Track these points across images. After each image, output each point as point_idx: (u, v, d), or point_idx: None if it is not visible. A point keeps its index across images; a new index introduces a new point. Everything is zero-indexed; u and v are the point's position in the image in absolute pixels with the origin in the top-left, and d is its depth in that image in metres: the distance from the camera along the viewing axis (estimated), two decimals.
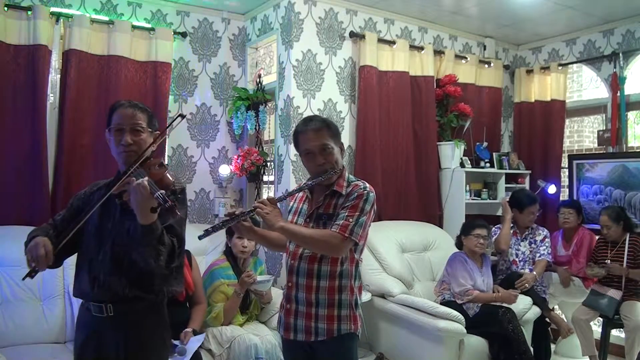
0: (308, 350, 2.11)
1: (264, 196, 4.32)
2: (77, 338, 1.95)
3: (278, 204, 2.07)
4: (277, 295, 3.43)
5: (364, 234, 2.05)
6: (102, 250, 1.85)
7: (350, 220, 2.00)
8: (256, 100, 4.14)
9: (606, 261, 3.83)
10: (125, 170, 1.80)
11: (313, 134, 2.09)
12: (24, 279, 1.75)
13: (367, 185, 2.12)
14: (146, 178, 1.66)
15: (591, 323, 3.82)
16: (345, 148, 4.15)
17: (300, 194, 2.23)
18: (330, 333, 2.05)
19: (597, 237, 4.09)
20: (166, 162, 3.96)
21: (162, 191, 1.64)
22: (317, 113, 4.00)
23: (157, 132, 1.96)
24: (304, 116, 3.90)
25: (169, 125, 1.93)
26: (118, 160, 1.90)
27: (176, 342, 2.77)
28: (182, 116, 1.91)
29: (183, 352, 2.72)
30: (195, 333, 2.92)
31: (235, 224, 2.04)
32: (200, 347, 3.00)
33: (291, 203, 2.29)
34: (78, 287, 1.92)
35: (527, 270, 3.97)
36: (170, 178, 1.84)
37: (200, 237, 2.01)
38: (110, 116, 1.92)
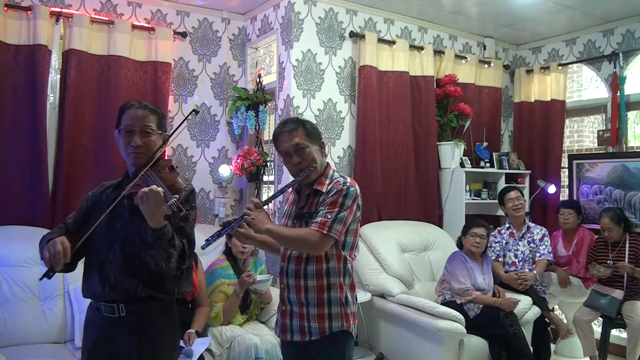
0: (304, 350, 2.13)
1: (264, 196, 4.32)
2: (87, 339, 1.93)
3: (265, 207, 2.09)
4: (276, 294, 3.43)
5: (344, 230, 2.05)
6: (112, 250, 1.84)
7: (329, 216, 2.02)
8: (256, 100, 4.14)
9: (608, 262, 3.82)
10: (136, 172, 1.80)
11: (287, 135, 2.14)
12: (41, 279, 1.74)
13: (349, 180, 2.13)
14: (154, 186, 1.65)
15: (592, 323, 3.82)
16: (345, 148, 4.18)
17: (292, 196, 2.27)
18: (322, 332, 2.06)
19: (595, 237, 4.09)
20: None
21: (176, 198, 1.64)
22: (317, 113, 4.01)
23: (167, 133, 1.96)
24: (304, 116, 3.94)
25: (183, 122, 1.93)
26: (127, 162, 1.90)
27: (181, 344, 2.77)
28: (196, 112, 1.92)
29: (190, 353, 2.71)
30: (198, 335, 2.92)
31: (232, 231, 2.04)
32: None
33: (285, 207, 2.31)
34: (88, 288, 1.90)
35: (526, 270, 3.97)
36: (182, 182, 1.84)
37: (203, 247, 2.03)
38: (120, 117, 1.91)
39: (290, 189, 2.24)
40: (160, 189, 1.65)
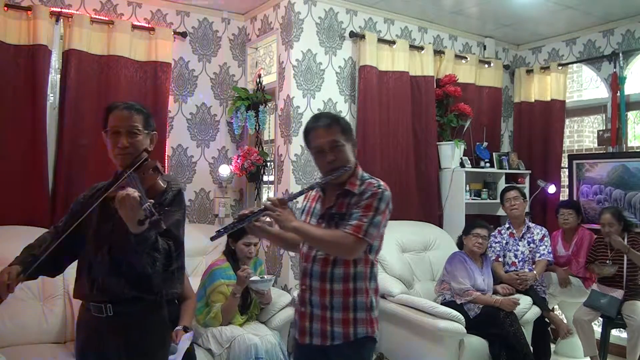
0: (322, 355, 2.03)
1: (264, 196, 4.32)
2: (78, 338, 1.96)
3: (289, 204, 1.99)
4: (277, 295, 3.44)
5: (378, 235, 1.99)
6: (101, 252, 1.85)
7: (364, 220, 1.93)
8: (256, 100, 4.14)
9: (607, 262, 3.83)
10: (119, 174, 1.80)
11: (323, 131, 2.03)
12: None
13: (382, 183, 2.04)
14: (133, 191, 1.62)
15: (592, 323, 3.82)
16: None
17: (313, 192, 2.17)
18: (346, 337, 1.98)
19: (595, 237, 4.09)
20: (163, 163, 3.95)
21: (151, 202, 1.61)
22: (317, 113, 4.00)
23: (154, 132, 1.96)
24: (304, 116, 3.94)
25: (133, 166, 1.81)
26: (115, 162, 1.91)
27: None
28: (148, 152, 1.90)
29: (174, 350, 2.72)
30: (186, 330, 2.92)
31: (247, 225, 1.97)
32: (199, 346, 3.01)
33: (304, 202, 2.22)
34: (78, 289, 1.92)
35: (526, 270, 3.97)
36: (162, 184, 1.83)
37: (212, 239, 1.96)
38: (106, 118, 1.91)
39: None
40: (136, 193, 1.61)
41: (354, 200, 2.01)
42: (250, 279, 3.13)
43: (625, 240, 3.79)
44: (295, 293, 3.66)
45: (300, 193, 2.08)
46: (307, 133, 2.10)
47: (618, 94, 4.39)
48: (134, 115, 1.89)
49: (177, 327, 2.89)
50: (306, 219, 2.13)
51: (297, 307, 2.12)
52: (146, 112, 1.95)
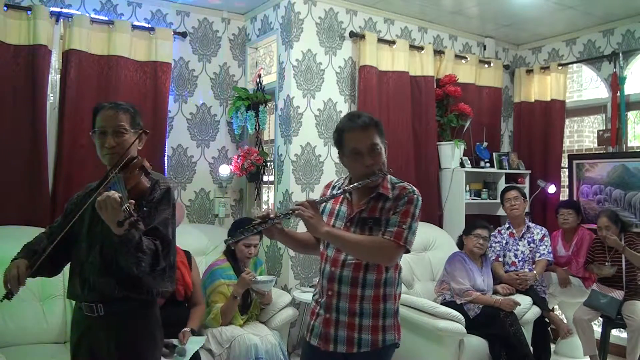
0: None
1: (264, 196, 4.32)
2: (72, 337, 1.97)
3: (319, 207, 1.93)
4: (277, 295, 3.44)
5: (414, 241, 1.94)
6: (92, 253, 1.85)
7: (404, 227, 1.88)
8: (256, 100, 4.14)
9: (606, 263, 3.83)
10: (106, 174, 1.81)
11: (361, 133, 1.92)
12: (1, 300, 1.78)
13: (415, 188, 1.98)
14: (114, 193, 1.63)
15: (592, 323, 3.82)
16: None
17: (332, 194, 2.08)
18: (374, 344, 1.93)
19: (594, 238, 4.09)
20: (163, 163, 3.95)
21: (130, 203, 1.61)
22: (317, 113, 4.01)
23: (142, 130, 1.97)
24: (304, 116, 3.94)
25: (118, 166, 1.83)
26: (103, 162, 1.91)
27: (175, 342, 2.77)
28: (146, 133, 1.95)
29: (183, 352, 2.72)
30: (193, 333, 2.92)
31: (266, 226, 1.91)
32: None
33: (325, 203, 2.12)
34: (71, 289, 1.93)
35: (527, 270, 3.97)
36: (146, 184, 1.83)
37: (226, 241, 1.98)
38: (94, 119, 1.92)
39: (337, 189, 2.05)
40: (117, 195, 1.61)
41: (388, 205, 1.94)
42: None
43: (622, 240, 3.79)
44: (295, 293, 3.68)
45: (332, 196, 2.01)
46: (340, 132, 1.98)
47: (618, 94, 4.39)
48: (120, 114, 1.89)
49: (185, 329, 2.90)
50: (329, 220, 2.03)
51: (318, 312, 2.03)
52: (133, 110, 1.95)
